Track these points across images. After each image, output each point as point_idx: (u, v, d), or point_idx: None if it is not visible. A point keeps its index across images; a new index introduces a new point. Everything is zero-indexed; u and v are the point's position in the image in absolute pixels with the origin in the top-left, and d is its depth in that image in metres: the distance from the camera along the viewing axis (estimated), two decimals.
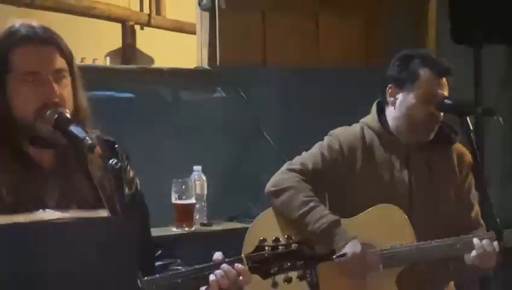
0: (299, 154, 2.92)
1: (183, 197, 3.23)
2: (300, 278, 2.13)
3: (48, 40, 1.98)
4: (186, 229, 3.21)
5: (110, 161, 2.03)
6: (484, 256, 2.59)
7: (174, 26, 6.50)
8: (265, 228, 2.80)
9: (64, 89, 1.98)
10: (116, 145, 2.08)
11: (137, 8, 6.50)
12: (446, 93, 2.74)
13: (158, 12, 6.49)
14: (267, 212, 2.88)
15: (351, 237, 2.67)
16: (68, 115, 1.95)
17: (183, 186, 3.23)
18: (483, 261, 2.60)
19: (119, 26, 6.10)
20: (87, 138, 1.86)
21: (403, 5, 4.11)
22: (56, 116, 1.92)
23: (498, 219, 2.61)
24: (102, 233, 1.40)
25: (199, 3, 3.68)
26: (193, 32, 6.43)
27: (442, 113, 2.75)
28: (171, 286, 1.98)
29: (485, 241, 2.59)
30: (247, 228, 3.29)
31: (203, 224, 3.34)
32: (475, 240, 2.60)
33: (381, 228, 2.73)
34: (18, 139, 1.97)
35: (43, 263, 1.34)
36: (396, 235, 2.71)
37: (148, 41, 6.34)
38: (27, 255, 1.32)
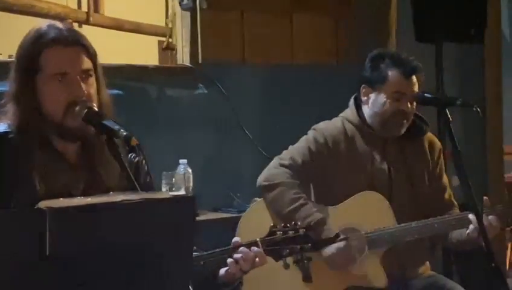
0: (276, 147, 3.08)
1: (173, 188, 3.34)
2: (297, 263, 2.28)
3: (74, 42, 2.08)
4: None
5: (130, 155, 2.18)
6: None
7: (113, 24, 6.52)
8: (257, 218, 2.93)
9: (91, 87, 2.09)
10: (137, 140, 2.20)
11: (76, 6, 6.52)
12: (416, 90, 2.92)
13: (96, 10, 6.50)
14: (258, 204, 3.00)
15: (335, 233, 2.75)
16: (96, 110, 2.07)
17: (173, 179, 3.35)
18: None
19: None
20: (121, 129, 1.98)
21: (369, 5, 4.29)
22: (86, 110, 2.03)
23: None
24: (166, 212, 1.55)
25: (180, 3, 3.77)
26: (132, 31, 6.53)
27: (414, 108, 2.93)
28: (195, 268, 2.12)
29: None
30: (230, 218, 3.45)
31: None
32: (470, 216, 2.78)
33: (365, 213, 2.90)
34: (46, 133, 2.07)
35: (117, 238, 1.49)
36: (379, 219, 2.89)
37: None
38: (106, 232, 1.47)
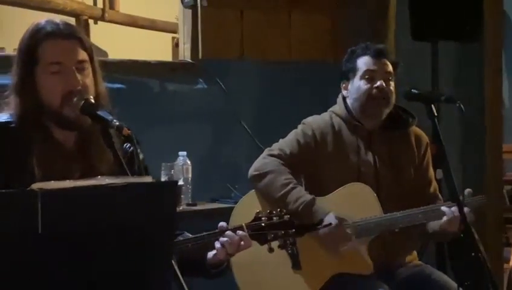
0: (273, 141, 3.19)
1: (172, 179, 3.45)
2: (281, 247, 2.40)
3: (70, 35, 2.20)
4: None
5: (125, 145, 2.31)
6: (453, 220, 2.91)
7: (127, 21, 6.63)
8: (248, 209, 3.00)
9: (87, 78, 2.20)
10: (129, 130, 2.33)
11: (91, 2, 6.64)
12: (389, 70, 3.09)
13: (112, 7, 6.61)
14: (249, 196, 3.12)
15: (326, 212, 2.96)
16: (93, 101, 2.20)
17: (172, 170, 3.47)
18: (452, 225, 2.92)
19: (73, 20, 6.24)
20: (114, 120, 2.10)
21: (366, 3, 4.35)
22: (83, 102, 2.15)
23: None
24: (149, 195, 1.68)
25: (182, 1, 3.87)
26: (146, 27, 6.65)
27: (391, 89, 3.07)
28: (183, 250, 2.26)
29: (454, 208, 2.91)
30: (227, 208, 3.52)
31: (188, 204, 3.55)
32: (443, 208, 2.94)
33: (353, 203, 3.03)
34: (45, 123, 2.20)
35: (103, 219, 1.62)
36: (366, 209, 3.02)
37: (101, 35, 6.43)
38: (94, 212, 1.60)
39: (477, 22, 4.24)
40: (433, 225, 3.05)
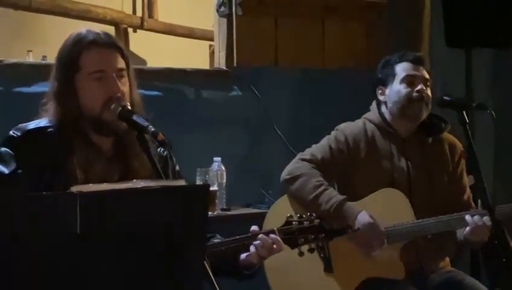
0: (307, 147, 3.23)
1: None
2: (311, 251, 2.44)
3: (112, 44, 2.30)
4: (210, 213, 3.47)
5: (159, 150, 2.38)
6: (476, 230, 2.93)
7: (166, 29, 6.72)
8: (281, 214, 3.10)
9: (125, 86, 2.29)
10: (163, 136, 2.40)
11: (131, 11, 6.75)
12: (427, 76, 3.14)
13: (151, 16, 6.71)
14: (282, 201, 3.17)
15: (358, 210, 2.99)
16: (129, 107, 2.28)
17: (207, 175, 3.53)
18: (475, 234, 2.94)
19: (112, 28, 6.36)
20: (150, 126, 2.18)
21: (401, 12, 4.37)
22: (120, 108, 2.23)
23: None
24: (182, 198, 1.74)
25: (217, 10, 3.95)
26: (184, 35, 6.74)
27: (429, 93, 3.11)
28: (217, 252, 2.31)
29: (475, 217, 2.92)
30: (261, 213, 3.58)
31: (223, 209, 3.61)
32: (467, 217, 2.94)
33: (385, 209, 3.04)
34: (84, 128, 2.28)
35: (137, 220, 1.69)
36: (398, 215, 3.03)
37: (140, 43, 6.55)
38: (129, 215, 1.67)
39: (511, 29, 4.24)
40: (460, 234, 3.06)
